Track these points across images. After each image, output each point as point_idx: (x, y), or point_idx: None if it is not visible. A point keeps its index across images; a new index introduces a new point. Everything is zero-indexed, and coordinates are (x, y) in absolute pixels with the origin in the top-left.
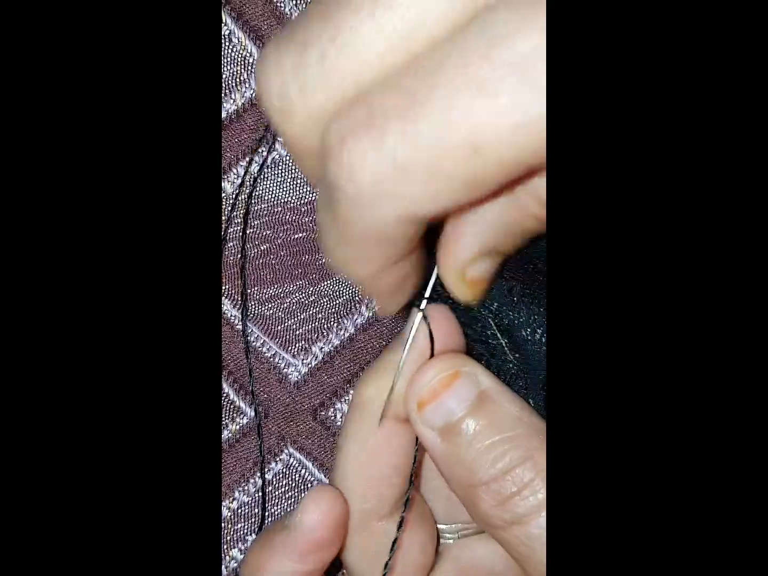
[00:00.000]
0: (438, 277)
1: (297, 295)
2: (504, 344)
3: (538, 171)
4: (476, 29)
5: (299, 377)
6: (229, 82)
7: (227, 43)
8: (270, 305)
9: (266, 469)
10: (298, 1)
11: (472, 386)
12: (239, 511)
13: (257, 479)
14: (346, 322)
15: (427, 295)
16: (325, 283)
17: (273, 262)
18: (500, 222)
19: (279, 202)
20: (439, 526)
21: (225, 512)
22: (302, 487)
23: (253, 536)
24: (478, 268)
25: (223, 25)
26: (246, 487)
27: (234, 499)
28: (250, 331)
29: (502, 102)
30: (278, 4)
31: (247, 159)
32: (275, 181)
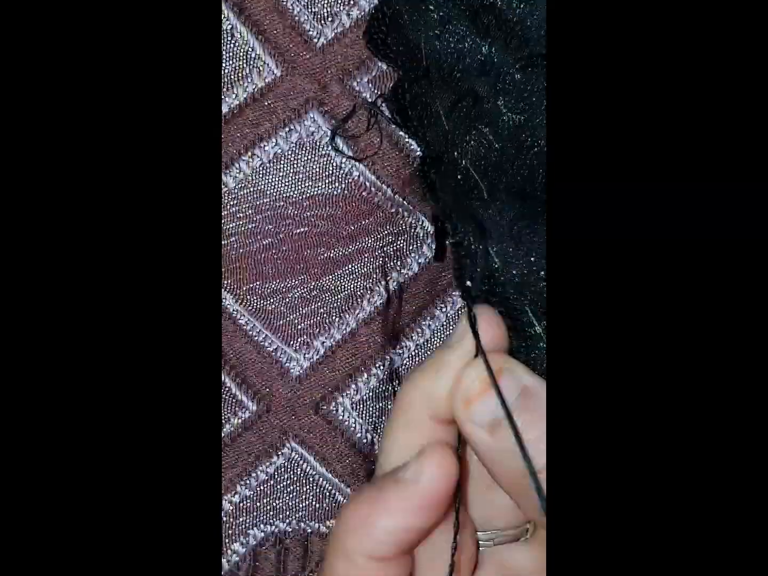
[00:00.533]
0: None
1: (299, 289)
2: (541, 331)
3: None
4: None
5: (301, 371)
6: (231, 76)
7: (229, 38)
8: (272, 300)
9: (268, 463)
10: None
11: (515, 382)
12: (241, 505)
13: (259, 473)
14: (347, 316)
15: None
16: (327, 277)
17: (275, 256)
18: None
19: (281, 196)
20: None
21: (227, 506)
22: (304, 481)
23: (255, 530)
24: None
25: (224, 19)
26: (248, 481)
27: (236, 493)
28: (252, 325)
29: None
30: (282, 1)
31: (250, 153)
32: (277, 176)
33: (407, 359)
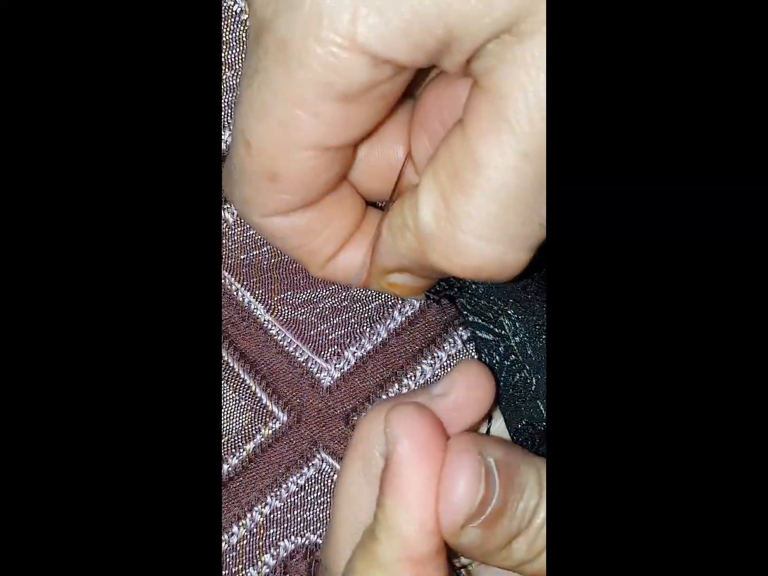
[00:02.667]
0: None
1: (330, 299)
2: (516, 342)
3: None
4: None
5: (332, 382)
6: None
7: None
8: (303, 310)
9: (298, 474)
10: None
11: (493, 474)
12: (271, 516)
13: (289, 484)
14: (378, 326)
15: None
16: (358, 287)
17: None
18: (398, 252)
19: None
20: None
21: (257, 517)
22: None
23: (286, 542)
24: (398, 277)
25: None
26: (278, 492)
27: (266, 504)
28: (283, 335)
29: None
30: None
31: None
32: None
33: (438, 369)
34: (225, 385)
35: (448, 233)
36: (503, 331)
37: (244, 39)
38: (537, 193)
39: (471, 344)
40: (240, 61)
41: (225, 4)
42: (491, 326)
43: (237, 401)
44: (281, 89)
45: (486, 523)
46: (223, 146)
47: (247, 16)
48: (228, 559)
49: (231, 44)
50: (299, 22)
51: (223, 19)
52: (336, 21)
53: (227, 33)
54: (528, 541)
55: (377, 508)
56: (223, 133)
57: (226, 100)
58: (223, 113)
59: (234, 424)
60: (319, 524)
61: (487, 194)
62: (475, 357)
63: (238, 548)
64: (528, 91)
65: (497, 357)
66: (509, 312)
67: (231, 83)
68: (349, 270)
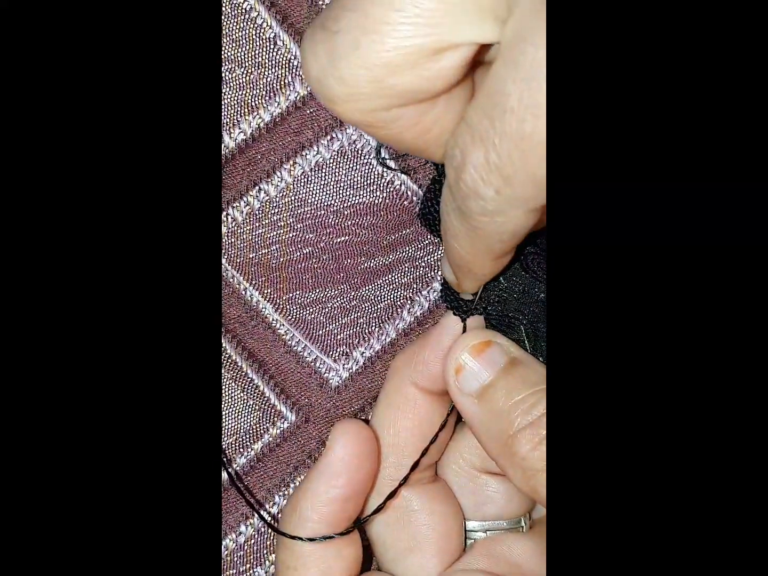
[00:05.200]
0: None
1: (338, 299)
2: (529, 350)
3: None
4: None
5: (340, 382)
6: (274, 85)
7: (272, 47)
8: (311, 309)
9: (306, 474)
10: None
11: (502, 353)
12: (280, 516)
13: (298, 483)
14: (387, 326)
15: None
16: (367, 287)
17: (315, 266)
18: None
19: (322, 205)
20: (467, 522)
21: (266, 516)
22: None
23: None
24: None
25: (267, 27)
26: (286, 492)
27: (274, 504)
28: (291, 335)
29: None
30: (323, 7)
31: (291, 162)
32: (319, 184)
33: None
34: (233, 384)
35: None
36: (521, 338)
37: (253, 36)
38: None
39: None
40: (249, 58)
41: (235, 2)
42: (508, 330)
43: (245, 401)
44: None
45: (480, 393)
46: (232, 144)
47: (256, 13)
48: (236, 559)
49: (240, 41)
50: None
51: (232, 17)
52: None
53: (236, 30)
54: (533, 443)
55: None
56: (229, 132)
57: (236, 98)
58: (232, 111)
59: (242, 424)
60: None
61: None
62: None
63: (245, 548)
64: None
65: None
66: (524, 321)
67: (240, 81)
68: None
